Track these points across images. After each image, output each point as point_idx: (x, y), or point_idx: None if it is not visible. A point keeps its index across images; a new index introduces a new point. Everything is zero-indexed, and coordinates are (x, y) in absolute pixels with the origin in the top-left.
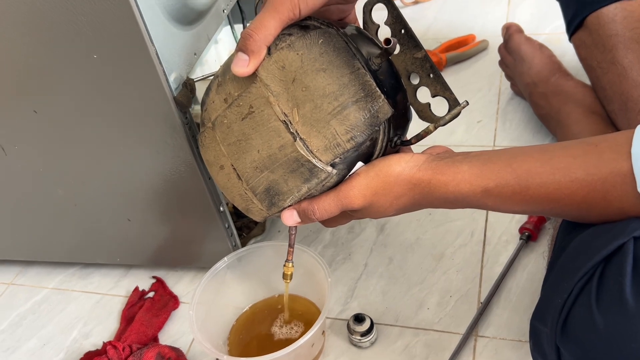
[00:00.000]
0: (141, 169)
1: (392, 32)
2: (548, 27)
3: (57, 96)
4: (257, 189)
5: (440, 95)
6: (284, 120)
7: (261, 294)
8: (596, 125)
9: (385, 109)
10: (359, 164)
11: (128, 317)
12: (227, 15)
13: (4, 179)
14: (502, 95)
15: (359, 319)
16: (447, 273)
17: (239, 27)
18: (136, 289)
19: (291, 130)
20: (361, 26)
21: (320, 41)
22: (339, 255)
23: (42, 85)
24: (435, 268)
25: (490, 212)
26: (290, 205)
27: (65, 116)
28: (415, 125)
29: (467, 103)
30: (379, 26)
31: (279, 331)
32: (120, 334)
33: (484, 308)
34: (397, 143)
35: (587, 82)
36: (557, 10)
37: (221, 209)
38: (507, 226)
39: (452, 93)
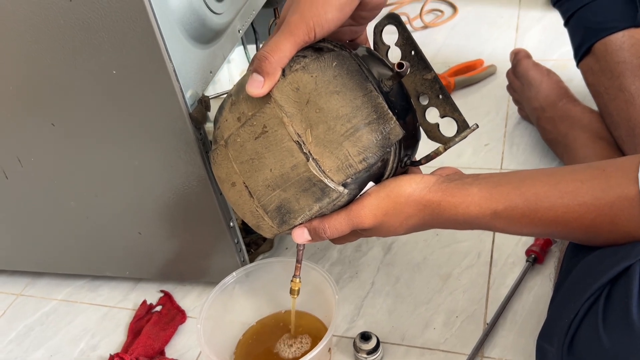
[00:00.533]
0: (154, 183)
1: (402, 53)
2: (556, 53)
3: (75, 110)
4: (268, 207)
5: (449, 116)
6: (297, 141)
7: (268, 309)
8: (603, 150)
9: (396, 131)
10: (370, 183)
11: (135, 330)
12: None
13: (18, 190)
14: (509, 119)
15: (365, 337)
16: (454, 293)
17: (251, 47)
18: (144, 302)
19: (304, 150)
20: (372, 47)
21: (334, 64)
22: (346, 273)
23: (61, 98)
24: (441, 288)
25: (497, 234)
26: (301, 223)
27: (81, 129)
28: (423, 145)
29: (477, 126)
30: (389, 47)
31: (285, 347)
32: (127, 347)
33: (490, 329)
34: (406, 163)
35: (594, 107)
36: (564, 37)
37: (231, 224)
38: (513, 248)
39: (460, 114)
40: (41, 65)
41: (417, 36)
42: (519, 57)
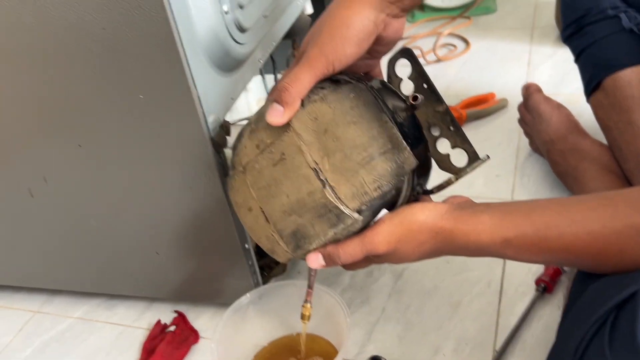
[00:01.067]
0: (173, 204)
1: (414, 86)
2: (566, 89)
3: (101, 132)
4: (284, 232)
5: (459, 147)
6: (314, 168)
7: (280, 331)
8: (612, 183)
9: (410, 161)
10: (383, 210)
11: (149, 349)
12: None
13: (41, 208)
14: (520, 152)
15: None
16: (464, 321)
17: (269, 77)
18: (158, 322)
19: (321, 177)
20: (385, 79)
21: (351, 95)
22: (357, 298)
23: (89, 121)
24: (451, 316)
25: (507, 263)
26: (315, 249)
27: (106, 151)
28: (435, 175)
29: (488, 157)
30: (401, 79)
31: None
32: None
33: (499, 357)
34: (419, 192)
35: (604, 141)
36: (574, 73)
37: (246, 246)
38: (523, 278)
39: (471, 145)
40: (71, 89)
41: (430, 69)
42: (530, 91)
